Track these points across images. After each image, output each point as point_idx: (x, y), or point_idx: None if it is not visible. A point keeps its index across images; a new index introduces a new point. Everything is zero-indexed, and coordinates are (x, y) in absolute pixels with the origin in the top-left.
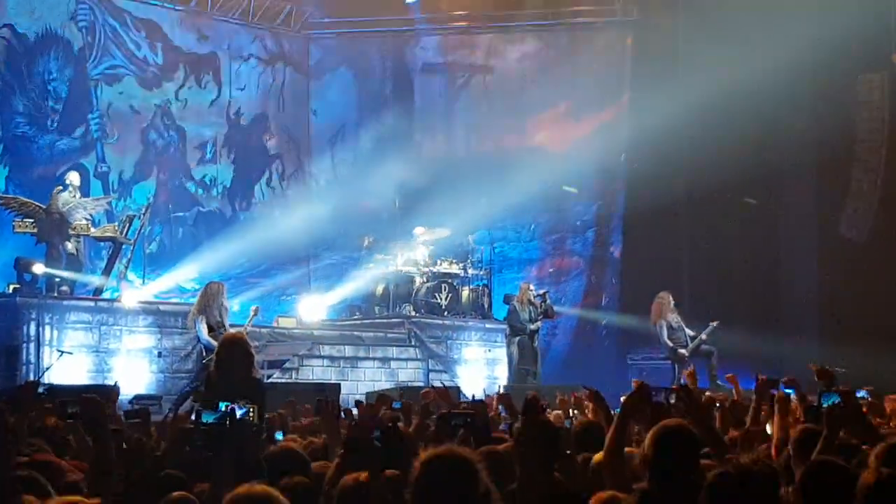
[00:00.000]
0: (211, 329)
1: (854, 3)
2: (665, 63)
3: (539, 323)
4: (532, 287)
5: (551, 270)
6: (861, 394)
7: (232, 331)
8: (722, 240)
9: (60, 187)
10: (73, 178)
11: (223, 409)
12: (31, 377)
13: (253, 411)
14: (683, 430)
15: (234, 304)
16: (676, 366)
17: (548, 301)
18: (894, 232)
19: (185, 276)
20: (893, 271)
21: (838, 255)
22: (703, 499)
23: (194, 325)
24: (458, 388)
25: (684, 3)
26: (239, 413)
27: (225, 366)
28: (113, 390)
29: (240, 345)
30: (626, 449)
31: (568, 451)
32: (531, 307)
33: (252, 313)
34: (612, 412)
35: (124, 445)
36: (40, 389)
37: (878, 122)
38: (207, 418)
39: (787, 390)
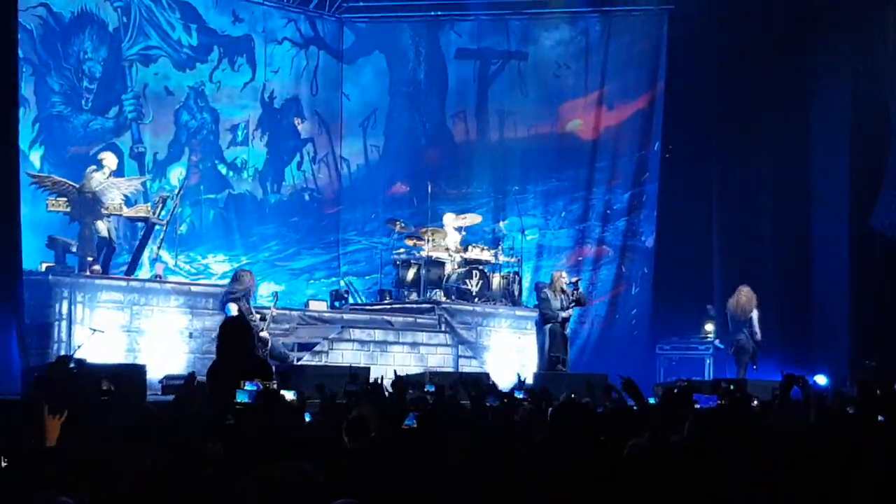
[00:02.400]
0: (244, 316)
1: None
2: (701, 52)
3: (571, 311)
4: (565, 275)
5: (581, 259)
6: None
7: (231, 314)
8: (754, 230)
9: (94, 167)
10: (109, 159)
11: (255, 388)
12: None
13: (272, 386)
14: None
15: (261, 288)
16: (747, 357)
17: (580, 289)
18: None
19: (214, 258)
20: None
21: (870, 249)
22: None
23: (224, 310)
24: (486, 374)
25: None
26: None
27: (225, 349)
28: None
29: (240, 328)
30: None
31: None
32: (563, 295)
33: (275, 298)
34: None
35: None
36: (71, 365)
37: None
38: (242, 397)
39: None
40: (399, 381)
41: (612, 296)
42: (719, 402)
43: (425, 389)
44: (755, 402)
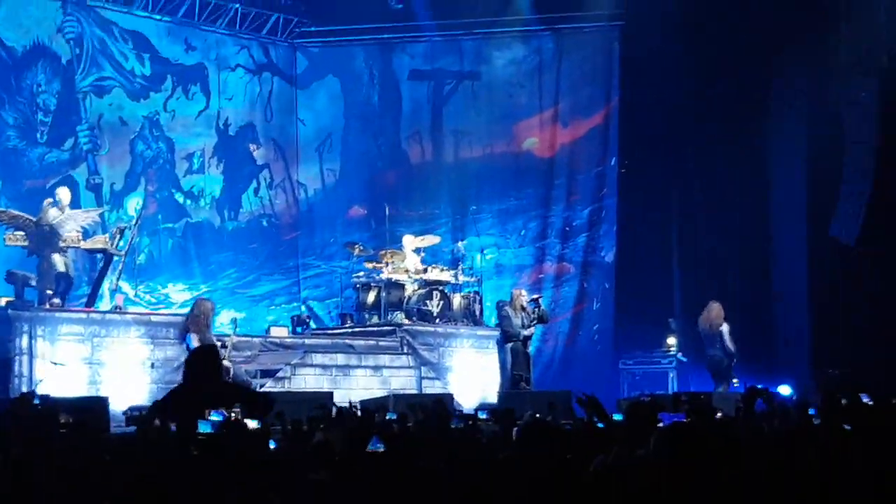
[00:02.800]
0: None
1: (843, 5)
2: (653, 66)
3: (532, 329)
4: (524, 293)
5: (542, 276)
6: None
7: (194, 343)
8: (713, 242)
9: (51, 200)
10: (63, 194)
11: (220, 418)
12: (24, 390)
13: (236, 416)
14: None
15: (221, 315)
16: (724, 371)
17: (541, 306)
18: (885, 233)
19: (174, 287)
20: (884, 273)
21: (829, 258)
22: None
23: (185, 340)
24: (451, 396)
25: (672, 5)
26: (217, 418)
27: (199, 377)
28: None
29: (213, 355)
30: None
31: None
32: (524, 313)
33: (234, 325)
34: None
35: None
36: (35, 401)
37: (869, 123)
38: (204, 428)
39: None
40: (366, 405)
41: (575, 312)
42: (686, 418)
43: (387, 417)
44: (718, 415)
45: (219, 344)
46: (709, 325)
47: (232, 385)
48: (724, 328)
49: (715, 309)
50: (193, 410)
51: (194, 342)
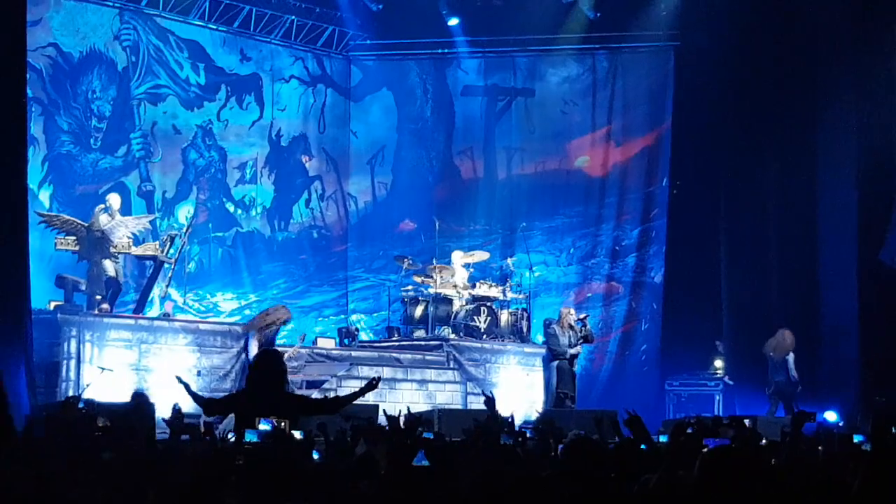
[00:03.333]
0: (260, 346)
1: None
2: (707, 86)
3: (579, 347)
4: (573, 311)
5: (590, 295)
6: None
7: (252, 345)
8: (762, 265)
9: (103, 206)
10: (114, 200)
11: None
12: (71, 394)
13: (285, 425)
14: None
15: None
16: (784, 400)
17: (588, 325)
18: None
19: (222, 295)
20: None
21: (879, 283)
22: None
23: (246, 339)
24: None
25: (727, 28)
26: (266, 426)
27: (260, 380)
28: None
29: (274, 361)
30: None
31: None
32: (571, 331)
33: (300, 340)
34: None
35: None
36: (80, 405)
37: None
38: (251, 437)
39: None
40: (411, 419)
41: (623, 332)
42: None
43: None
44: (763, 441)
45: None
46: (781, 351)
47: (294, 395)
48: (791, 356)
49: (789, 338)
50: (250, 417)
51: (253, 343)
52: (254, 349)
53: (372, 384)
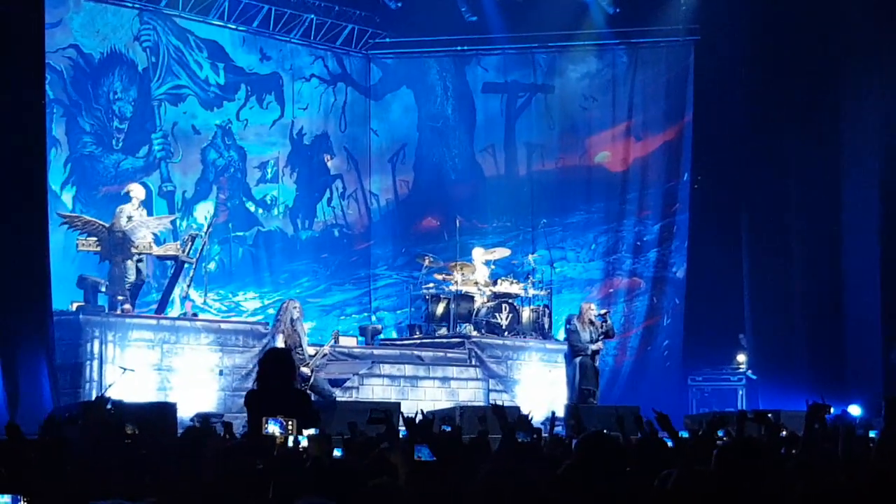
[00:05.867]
0: (289, 348)
1: None
2: (728, 80)
3: (600, 343)
4: (594, 307)
5: (612, 291)
6: None
7: (277, 345)
8: (784, 259)
9: (123, 206)
10: (137, 191)
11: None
12: (94, 394)
13: (291, 425)
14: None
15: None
16: None
17: (609, 321)
18: None
19: (244, 295)
20: None
21: None
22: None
23: (273, 342)
24: (517, 408)
25: (747, 22)
26: (274, 426)
27: (267, 380)
28: (173, 408)
29: (281, 359)
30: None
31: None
32: (592, 327)
33: (333, 338)
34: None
35: None
36: (108, 406)
37: None
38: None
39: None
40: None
41: (645, 327)
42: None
43: (442, 428)
44: (783, 433)
45: (312, 350)
46: None
47: (300, 394)
48: None
49: None
50: (260, 414)
51: (279, 344)
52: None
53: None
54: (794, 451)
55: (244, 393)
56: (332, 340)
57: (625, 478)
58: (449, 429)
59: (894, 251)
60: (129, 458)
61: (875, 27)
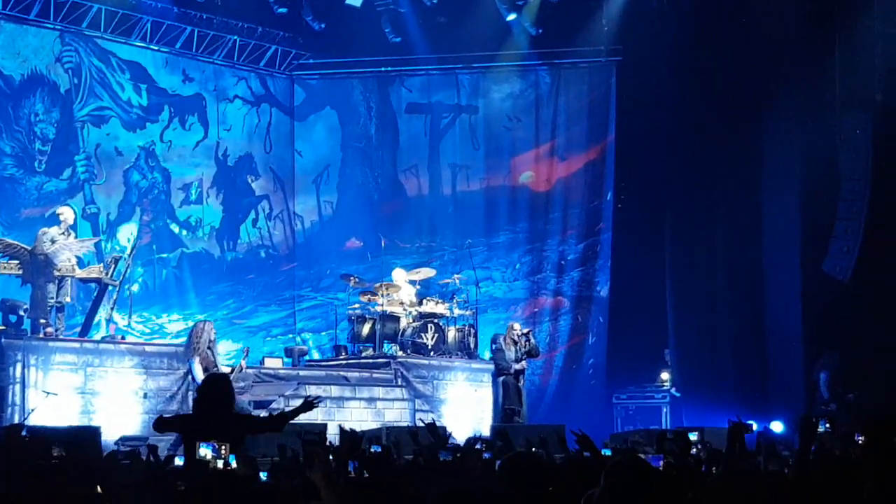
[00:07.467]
0: (206, 369)
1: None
2: (650, 101)
3: (524, 362)
4: (518, 326)
5: (536, 310)
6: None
7: (216, 371)
8: (707, 277)
9: (45, 229)
10: (67, 214)
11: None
12: (17, 419)
13: (225, 449)
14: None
15: (220, 346)
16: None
17: (532, 340)
18: (879, 269)
19: (168, 317)
20: (877, 308)
21: (822, 294)
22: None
23: (189, 366)
24: (444, 428)
25: (669, 43)
26: (206, 450)
27: (206, 404)
28: (96, 432)
29: (222, 384)
30: None
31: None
32: (516, 346)
33: (244, 354)
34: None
35: None
36: (23, 432)
37: (864, 159)
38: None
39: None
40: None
41: (570, 346)
42: (665, 459)
43: (371, 450)
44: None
45: (228, 370)
46: None
47: (242, 416)
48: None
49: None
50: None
51: (196, 366)
52: (199, 373)
53: (311, 403)
54: (714, 469)
55: (168, 415)
56: (244, 356)
57: (549, 498)
58: (379, 449)
59: (815, 271)
60: (51, 485)
61: (794, 48)
